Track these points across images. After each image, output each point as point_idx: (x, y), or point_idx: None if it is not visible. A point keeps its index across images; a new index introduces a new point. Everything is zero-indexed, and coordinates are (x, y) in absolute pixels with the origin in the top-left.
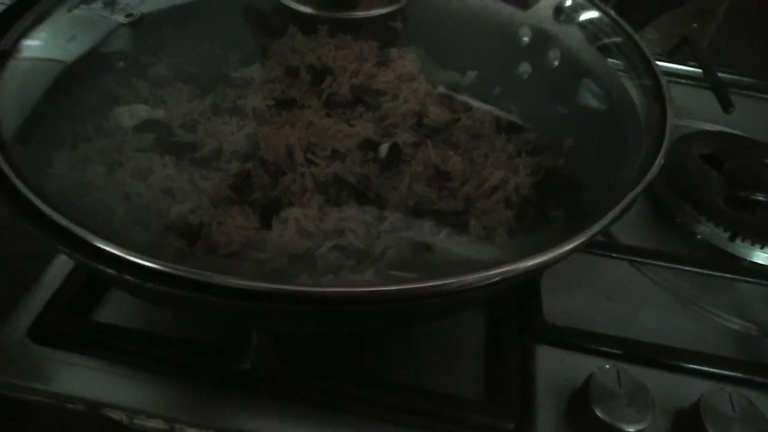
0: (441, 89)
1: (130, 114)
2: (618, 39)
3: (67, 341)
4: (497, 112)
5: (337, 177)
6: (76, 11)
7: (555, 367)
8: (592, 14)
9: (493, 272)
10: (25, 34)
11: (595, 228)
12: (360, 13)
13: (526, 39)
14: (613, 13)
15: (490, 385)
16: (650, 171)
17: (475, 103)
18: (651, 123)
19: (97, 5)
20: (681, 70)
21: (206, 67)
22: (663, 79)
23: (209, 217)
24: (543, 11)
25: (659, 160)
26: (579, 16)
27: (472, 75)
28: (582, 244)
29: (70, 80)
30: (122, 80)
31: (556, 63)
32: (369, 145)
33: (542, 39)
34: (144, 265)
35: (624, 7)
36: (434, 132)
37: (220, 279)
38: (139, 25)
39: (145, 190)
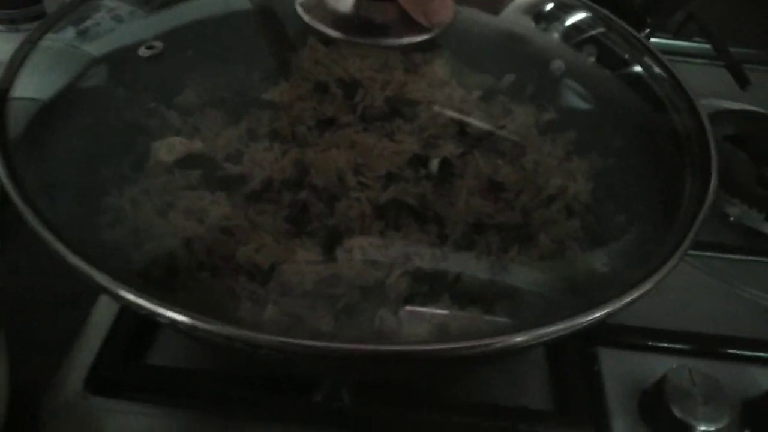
0: (476, 94)
1: (168, 148)
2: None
3: (127, 389)
4: (536, 113)
5: (397, 200)
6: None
7: (620, 369)
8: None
9: (599, 314)
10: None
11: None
12: (390, 41)
13: (557, 36)
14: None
15: (558, 393)
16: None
17: (514, 107)
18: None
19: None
20: (688, 47)
21: (232, 89)
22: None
23: (276, 256)
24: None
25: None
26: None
27: (510, 78)
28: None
29: (86, 117)
30: (148, 111)
31: (592, 59)
32: (418, 161)
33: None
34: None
35: None
36: (478, 141)
37: (317, 344)
38: (161, 58)
39: (205, 232)
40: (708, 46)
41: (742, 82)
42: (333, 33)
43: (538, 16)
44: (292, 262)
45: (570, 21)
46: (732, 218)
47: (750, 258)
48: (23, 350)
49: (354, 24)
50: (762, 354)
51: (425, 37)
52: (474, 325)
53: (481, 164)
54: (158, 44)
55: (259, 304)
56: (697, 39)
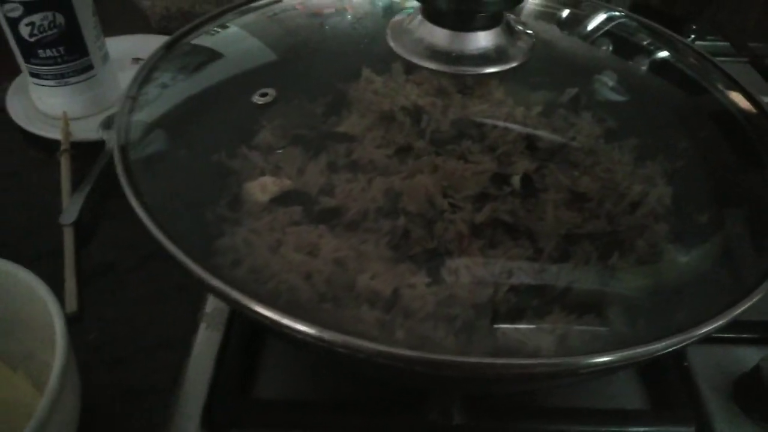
0: (537, 109)
1: (261, 188)
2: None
3: (242, 425)
4: (597, 123)
5: (494, 218)
6: None
7: (708, 362)
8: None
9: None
10: None
11: None
12: (479, 70)
13: (605, 47)
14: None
15: (653, 393)
16: None
17: (576, 119)
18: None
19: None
20: (702, 45)
21: (305, 125)
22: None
23: (393, 282)
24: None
25: None
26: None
27: (571, 92)
28: None
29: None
30: (232, 153)
31: (644, 68)
32: (500, 180)
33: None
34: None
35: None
36: (551, 154)
37: (454, 358)
38: (274, 105)
39: (321, 264)
40: (724, 43)
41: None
42: (431, 66)
43: (584, 27)
44: (410, 287)
45: (614, 31)
46: None
47: None
48: (123, 402)
49: (448, 56)
50: None
51: (514, 64)
52: (592, 335)
53: (561, 177)
54: (271, 91)
55: (386, 329)
56: (711, 37)
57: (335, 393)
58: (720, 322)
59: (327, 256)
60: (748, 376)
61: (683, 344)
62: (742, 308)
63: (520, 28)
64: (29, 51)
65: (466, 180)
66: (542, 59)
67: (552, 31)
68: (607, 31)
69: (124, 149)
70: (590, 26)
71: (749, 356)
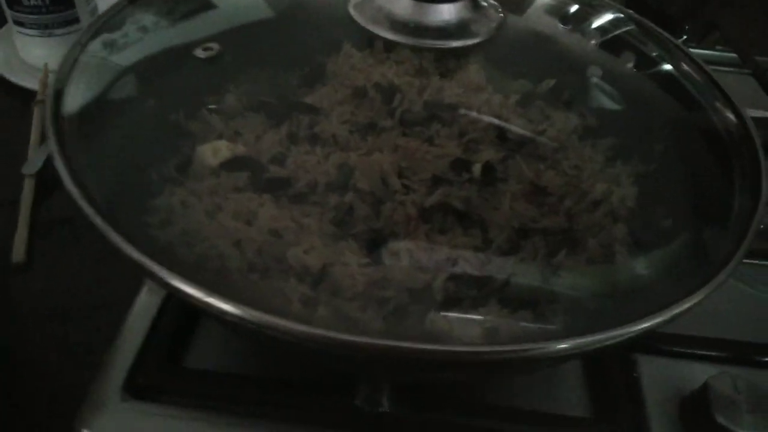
0: (514, 99)
1: (213, 151)
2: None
3: (165, 393)
4: (575, 119)
5: (444, 203)
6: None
7: (659, 376)
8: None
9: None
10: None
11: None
12: (443, 43)
13: (593, 42)
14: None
15: (597, 401)
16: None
17: (553, 112)
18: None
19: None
20: (712, 55)
21: (272, 93)
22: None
23: (326, 258)
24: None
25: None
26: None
27: (548, 83)
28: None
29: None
30: (191, 114)
31: (630, 65)
32: (461, 165)
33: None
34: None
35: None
36: (519, 145)
37: (373, 340)
38: (218, 60)
39: (255, 234)
40: (732, 55)
41: None
42: (388, 35)
43: (574, 20)
44: (342, 265)
45: (607, 26)
46: (762, 226)
47: None
48: (59, 355)
49: (408, 27)
50: None
51: (477, 40)
52: (523, 331)
53: (524, 169)
54: (215, 46)
55: (310, 306)
56: (720, 47)
57: (271, 369)
58: (640, 327)
59: (263, 226)
60: (695, 395)
61: (599, 345)
62: (671, 314)
63: (490, 3)
64: None
65: (426, 163)
66: (521, 44)
67: (541, 18)
68: (599, 25)
69: (58, 94)
70: (582, 18)
71: (701, 374)
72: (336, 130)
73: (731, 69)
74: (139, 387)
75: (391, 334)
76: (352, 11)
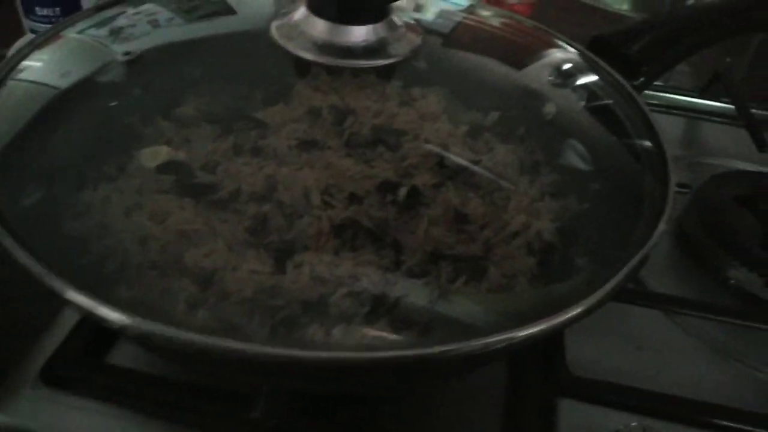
0: (463, 129)
1: (152, 155)
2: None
3: (80, 385)
4: (520, 153)
5: (353, 220)
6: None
7: (579, 422)
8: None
9: (495, 339)
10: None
11: (600, 293)
12: (361, 63)
13: (551, 79)
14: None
15: None
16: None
17: (498, 144)
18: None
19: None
20: (714, 107)
21: (231, 107)
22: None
23: (223, 262)
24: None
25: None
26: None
27: (494, 115)
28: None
29: (90, 115)
30: (148, 120)
31: (582, 103)
32: (388, 187)
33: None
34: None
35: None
36: (455, 173)
37: (224, 343)
38: (138, 63)
39: (162, 233)
40: (733, 106)
41: (760, 143)
42: (306, 55)
43: (537, 60)
44: (233, 269)
45: (564, 66)
46: (733, 281)
47: (742, 323)
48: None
49: (326, 48)
50: (727, 423)
51: (396, 60)
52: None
53: (452, 196)
54: (136, 51)
55: (194, 308)
56: (724, 99)
57: (185, 374)
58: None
59: (172, 226)
60: None
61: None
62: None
63: (409, 24)
64: (29, 6)
65: (353, 182)
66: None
67: (491, 52)
68: (552, 61)
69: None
70: (534, 55)
71: (617, 423)
72: (278, 145)
73: (733, 121)
74: (56, 377)
75: (277, 342)
76: (273, 32)
